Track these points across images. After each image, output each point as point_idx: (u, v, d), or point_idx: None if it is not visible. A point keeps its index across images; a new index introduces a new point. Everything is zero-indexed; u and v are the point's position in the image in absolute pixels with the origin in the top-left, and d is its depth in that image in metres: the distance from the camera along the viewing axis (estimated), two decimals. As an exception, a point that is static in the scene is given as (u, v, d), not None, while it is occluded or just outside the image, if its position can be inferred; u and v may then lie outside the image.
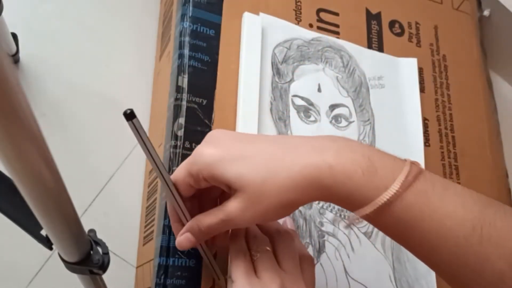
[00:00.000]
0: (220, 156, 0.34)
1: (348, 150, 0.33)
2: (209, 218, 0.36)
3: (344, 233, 0.50)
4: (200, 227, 0.37)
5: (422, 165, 0.56)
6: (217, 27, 0.52)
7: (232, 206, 0.35)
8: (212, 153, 0.35)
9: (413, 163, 0.33)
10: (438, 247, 0.31)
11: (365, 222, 0.51)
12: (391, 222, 0.32)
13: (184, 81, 0.49)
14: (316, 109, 0.53)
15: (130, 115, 0.31)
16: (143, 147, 0.33)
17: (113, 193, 0.57)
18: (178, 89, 0.48)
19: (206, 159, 0.35)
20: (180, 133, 0.47)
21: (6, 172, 0.27)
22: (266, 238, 0.40)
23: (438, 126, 0.60)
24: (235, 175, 0.34)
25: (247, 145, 0.35)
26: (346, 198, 0.33)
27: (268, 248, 0.38)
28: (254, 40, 0.52)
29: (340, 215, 0.50)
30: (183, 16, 0.51)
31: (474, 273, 0.30)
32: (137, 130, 0.32)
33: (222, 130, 0.39)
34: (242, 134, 0.39)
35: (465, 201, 0.31)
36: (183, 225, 0.39)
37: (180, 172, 0.37)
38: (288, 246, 0.39)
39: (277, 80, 0.53)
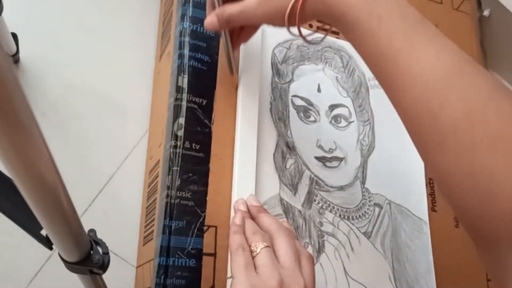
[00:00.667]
0: None
1: None
2: (232, 8, 0.42)
3: (344, 233, 0.50)
4: (223, 13, 0.43)
5: (422, 166, 0.56)
6: (217, 27, 0.52)
7: (250, 1, 0.41)
8: None
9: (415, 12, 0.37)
10: (406, 87, 0.33)
11: (363, 223, 0.51)
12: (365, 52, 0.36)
13: (184, 81, 0.49)
14: (315, 109, 0.53)
15: None
16: None
17: (113, 193, 0.57)
18: (178, 89, 0.48)
19: None
20: (180, 133, 0.47)
21: (6, 172, 0.27)
22: (266, 234, 0.40)
23: (438, 126, 0.60)
24: None
25: None
26: (340, 18, 0.36)
27: (267, 244, 0.39)
28: (254, 40, 0.52)
29: (340, 215, 0.50)
30: (183, 16, 0.52)
31: (431, 116, 0.32)
32: None
33: None
34: None
35: (443, 55, 0.34)
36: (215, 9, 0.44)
37: None
38: (287, 242, 0.40)
39: (276, 80, 0.53)
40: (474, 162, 0.29)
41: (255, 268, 0.37)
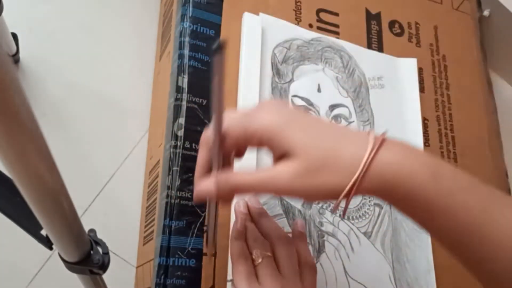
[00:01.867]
0: (286, 121, 0.32)
1: (415, 152, 0.32)
2: (246, 176, 0.33)
3: (344, 233, 0.50)
4: (231, 182, 0.33)
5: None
6: (217, 27, 0.52)
7: (283, 168, 0.32)
8: (273, 118, 0.33)
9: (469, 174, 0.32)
10: (496, 255, 0.31)
11: (363, 222, 0.51)
12: (453, 229, 0.32)
13: (184, 81, 0.49)
14: (316, 109, 0.53)
15: (220, 47, 0.27)
16: (218, 82, 0.29)
17: (113, 193, 0.57)
18: (178, 89, 0.48)
19: (266, 122, 0.32)
20: (180, 133, 0.47)
21: (6, 172, 0.27)
22: (267, 242, 0.40)
23: (438, 126, 0.60)
24: (299, 142, 0.32)
25: (308, 117, 0.34)
26: (403, 199, 0.31)
27: (269, 254, 0.39)
28: (254, 41, 0.52)
29: (340, 215, 0.50)
30: (183, 16, 0.52)
31: None
32: (221, 64, 0.28)
33: (275, 101, 0.38)
34: (298, 108, 0.38)
35: None
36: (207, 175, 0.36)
37: (234, 126, 0.33)
38: (288, 251, 0.39)
39: (277, 80, 0.53)
40: None
41: (257, 277, 0.37)
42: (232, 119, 0.34)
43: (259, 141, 0.33)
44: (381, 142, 0.32)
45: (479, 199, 0.31)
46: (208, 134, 0.35)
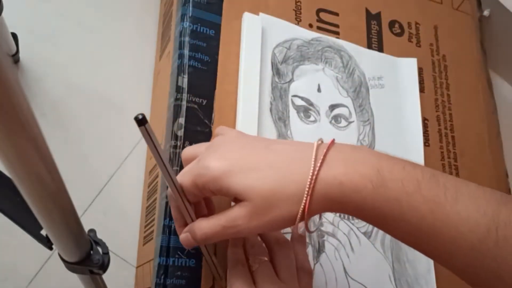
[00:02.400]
0: (227, 168, 0.34)
1: (357, 163, 0.33)
2: (210, 224, 0.36)
3: (344, 233, 0.50)
4: (196, 233, 0.36)
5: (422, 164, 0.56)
6: (217, 27, 0.52)
7: (237, 214, 0.34)
8: (218, 166, 0.34)
9: (423, 169, 0.33)
10: (453, 252, 0.31)
11: (363, 222, 0.51)
12: (407, 231, 0.33)
13: (184, 81, 0.49)
14: (315, 109, 0.53)
15: (142, 121, 0.31)
16: (153, 151, 0.33)
17: (113, 193, 0.57)
18: (178, 89, 0.48)
19: (213, 172, 0.34)
20: (180, 133, 0.47)
21: (6, 172, 0.27)
22: (265, 247, 0.40)
23: (438, 126, 0.60)
24: (243, 186, 0.34)
25: (252, 155, 0.35)
26: (355, 210, 0.33)
27: (266, 259, 0.39)
28: (254, 40, 0.52)
29: (340, 215, 0.50)
30: (183, 16, 0.52)
31: (492, 275, 0.30)
32: (149, 135, 0.32)
33: (224, 136, 0.39)
34: (244, 138, 0.39)
35: (478, 203, 0.31)
36: (186, 225, 0.39)
37: (186, 182, 0.36)
38: (286, 256, 0.40)
39: (277, 80, 0.53)
40: None
41: (255, 283, 0.38)
42: (184, 176, 0.37)
43: (212, 192, 0.36)
44: (323, 159, 0.33)
45: (426, 200, 0.31)
46: (170, 191, 0.38)
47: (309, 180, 0.33)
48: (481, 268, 0.31)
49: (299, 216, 0.33)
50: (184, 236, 0.38)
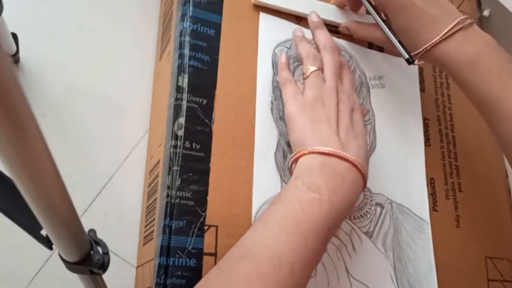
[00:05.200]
0: None
1: (466, 43, 0.47)
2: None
3: (346, 233, 0.50)
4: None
5: (423, 165, 0.56)
6: (217, 27, 0.52)
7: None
8: None
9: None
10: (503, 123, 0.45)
11: (365, 222, 0.51)
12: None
13: (184, 81, 0.49)
14: (316, 109, 0.53)
15: None
16: None
17: (113, 193, 0.57)
18: (178, 89, 0.48)
19: None
20: (180, 133, 0.47)
21: (6, 172, 0.27)
22: (318, 55, 0.48)
23: (439, 126, 0.60)
24: None
25: None
26: (449, 71, 0.49)
27: (317, 68, 0.46)
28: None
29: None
30: (183, 16, 0.51)
31: None
32: None
33: None
34: None
35: None
36: None
37: None
38: (331, 58, 0.47)
39: (277, 79, 0.53)
40: None
41: (304, 90, 0.46)
42: None
43: None
44: (453, 32, 0.47)
45: (501, 80, 0.45)
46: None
47: (436, 39, 0.47)
48: None
49: (419, 50, 0.49)
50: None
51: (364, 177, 0.42)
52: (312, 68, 0.46)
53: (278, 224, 0.36)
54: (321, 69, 0.47)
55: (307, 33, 0.56)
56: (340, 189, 0.39)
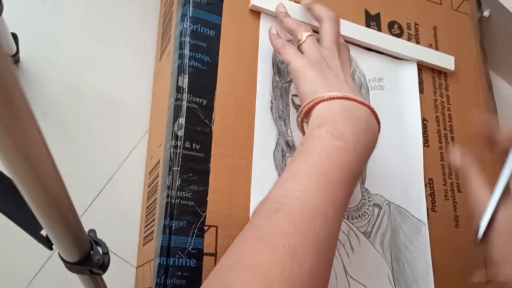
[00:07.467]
0: None
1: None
2: None
3: (344, 233, 0.50)
4: None
5: (421, 167, 0.56)
6: (217, 27, 0.52)
7: None
8: None
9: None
10: None
11: (363, 222, 0.51)
12: None
13: (184, 81, 0.49)
14: (316, 109, 0.53)
15: None
16: None
17: (113, 193, 0.57)
18: (178, 89, 0.48)
19: None
20: (181, 133, 0.47)
21: (6, 172, 0.27)
22: (307, 26, 0.49)
23: (437, 127, 0.60)
24: None
25: None
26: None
27: (310, 33, 0.47)
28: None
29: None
30: (183, 17, 0.52)
31: None
32: None
33: None
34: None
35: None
36: None
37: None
38: (331, 27, 0.47)
39: (277, 79, 0.53)
40: None
41: (302, 53, 0.46)
42: None
43: None
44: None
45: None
46: None
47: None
48: None
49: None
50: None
51: (380, 126, 0.42)
52: (307, 33, 0.47)
53: (306, 176, 0.35)
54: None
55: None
56: (364, 135, 0.39)
